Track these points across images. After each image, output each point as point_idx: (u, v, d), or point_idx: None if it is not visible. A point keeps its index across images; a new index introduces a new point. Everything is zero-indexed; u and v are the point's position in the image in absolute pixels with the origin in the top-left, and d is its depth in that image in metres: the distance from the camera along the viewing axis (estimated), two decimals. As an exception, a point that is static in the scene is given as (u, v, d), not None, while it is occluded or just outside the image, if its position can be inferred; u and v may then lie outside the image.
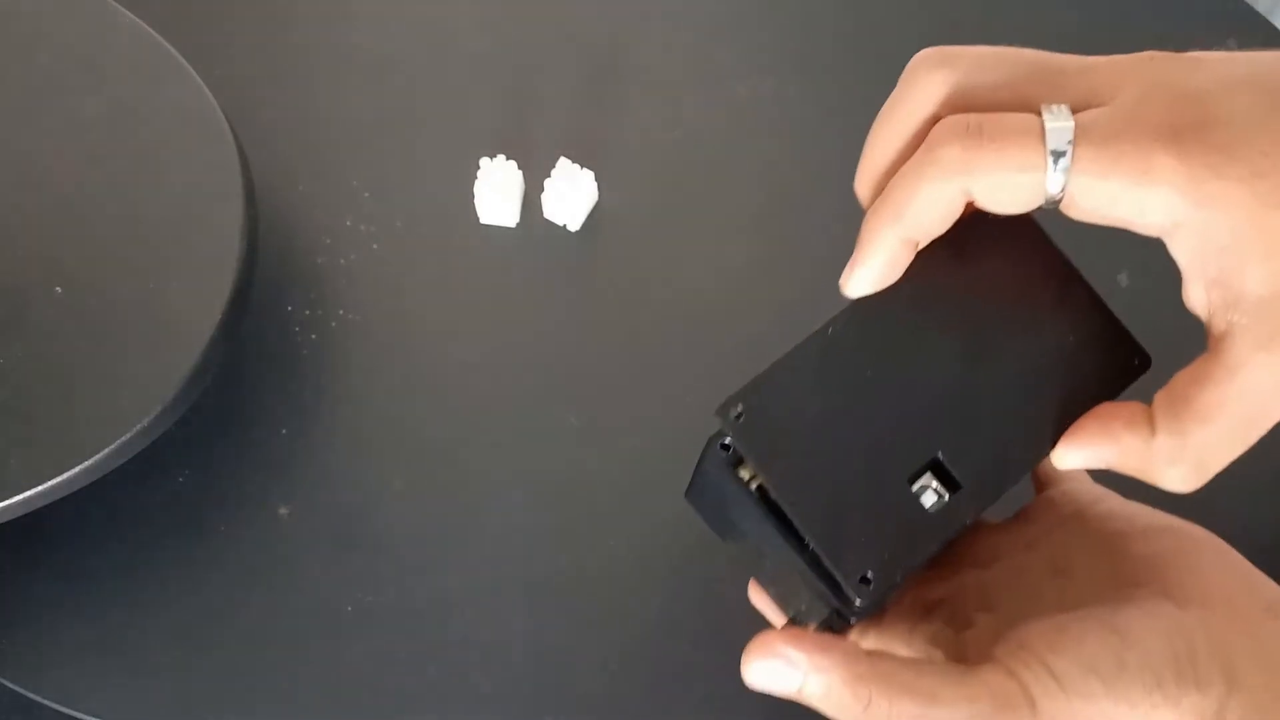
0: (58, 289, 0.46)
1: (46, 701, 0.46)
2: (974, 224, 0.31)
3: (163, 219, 0.48)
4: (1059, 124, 0.28)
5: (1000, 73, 0.30)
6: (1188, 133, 0.27)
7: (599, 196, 0.58)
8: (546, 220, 0.58)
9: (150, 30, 0.51)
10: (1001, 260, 0.32)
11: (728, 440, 0.32)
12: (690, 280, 0.57)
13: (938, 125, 0.29)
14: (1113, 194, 0.28)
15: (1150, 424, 0.30)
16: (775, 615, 0.38)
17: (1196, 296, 0.30)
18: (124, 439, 0.43)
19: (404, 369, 0.54)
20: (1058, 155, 0.28)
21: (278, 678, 0.47)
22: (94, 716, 0.46)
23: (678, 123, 0.61)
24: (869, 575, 0.30)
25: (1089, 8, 0.67)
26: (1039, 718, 0.28)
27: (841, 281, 0.32)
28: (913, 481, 0.31)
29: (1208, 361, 0.29)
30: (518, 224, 0.58)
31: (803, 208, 0.60)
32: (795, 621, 0.33)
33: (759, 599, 0.39)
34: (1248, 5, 0.69)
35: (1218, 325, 0.29)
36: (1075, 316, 0.32)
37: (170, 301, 0.46)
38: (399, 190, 0.58)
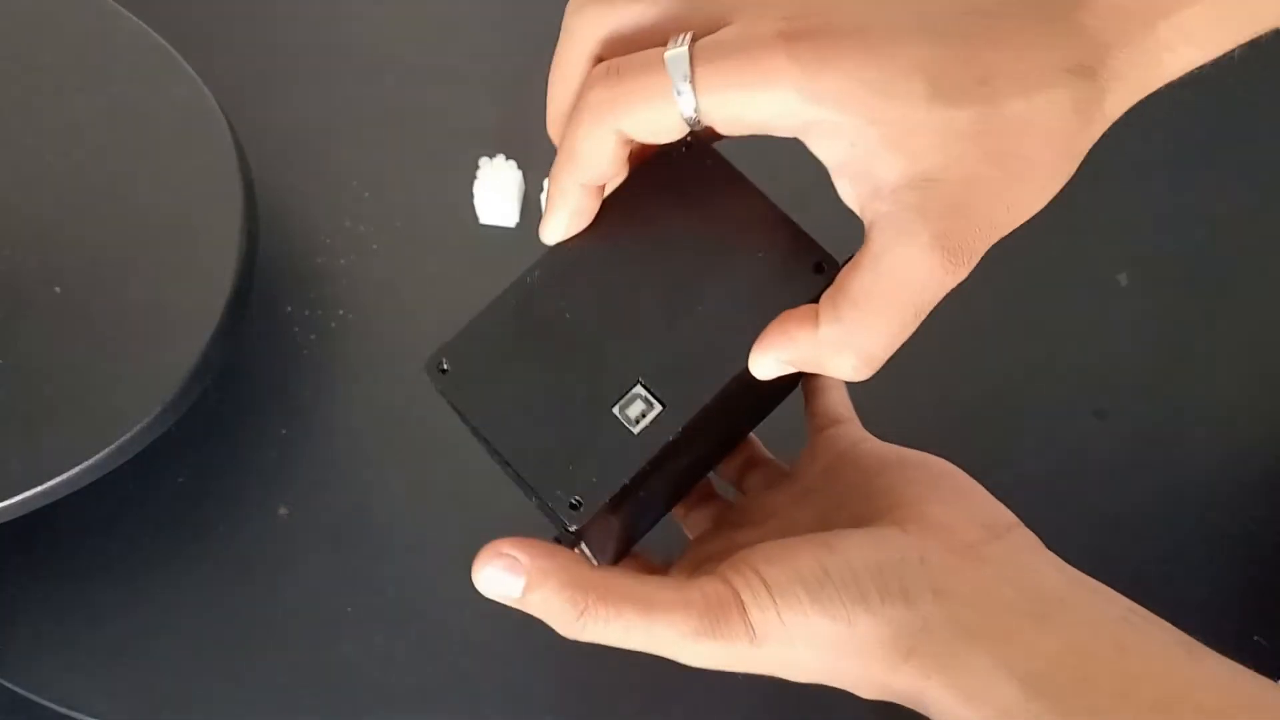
0: (58, 289, 0.46)
1: (46, 702, 0.46)
2: (659, 161, 0.33)
3: (162, 219, 0.48)
4: (675, 51, 0.29)
5: (650, 12, 0.31)
6: (802, 37, 0.29)
7: (599, 196, 0.58)
8: (546, 220, 0.58)
9: (150, 30, 0.51)
10: (689, 192, 0.34)
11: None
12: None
13: (589, 73, 0.32)
14: (740, 104, 0.29)
15: (817, 319, 0.32)
16: None
17: (845, 191, 0.31)
18: (124, 439, 0.43)
19: (403, 369, 0.54)
20: (681, 80, 0.29)
21: (278, 677, 0.47)
22: (94, 716, 0.46)
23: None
24: (577, 500, 0.31)
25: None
26: (750, 624, 0.31)
27: (540, 231, 0.34)
28: (617, 407, 0.32)
29: (860, 252, 0.31)
30: (518, 224, 0.58)
31: (802, 206, 0.60)
32: None
33: None
34: (1247, 5, 0.69)
35: (866, 217, 0.30)
36: (762, 234, 0.33)
37: (170, 301, 0.46)
38: (398, 190, 0.58)
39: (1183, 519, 0.55)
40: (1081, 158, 0.31)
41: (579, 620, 0.32)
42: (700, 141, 0.33)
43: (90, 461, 0.43)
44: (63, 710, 0.46)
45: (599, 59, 0.33)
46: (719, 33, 0.30)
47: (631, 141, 0.32)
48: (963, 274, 0.30)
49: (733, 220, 0.33)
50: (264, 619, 0.48)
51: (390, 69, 0.62)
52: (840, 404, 0.40)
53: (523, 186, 0.58)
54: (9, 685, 0.46)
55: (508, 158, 0.57)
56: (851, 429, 0.39)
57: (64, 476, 0.42)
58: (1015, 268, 0.60)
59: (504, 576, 0.32)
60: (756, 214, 0.34)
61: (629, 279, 0.33)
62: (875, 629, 0.30)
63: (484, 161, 0.57)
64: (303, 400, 0.53)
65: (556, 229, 0.34)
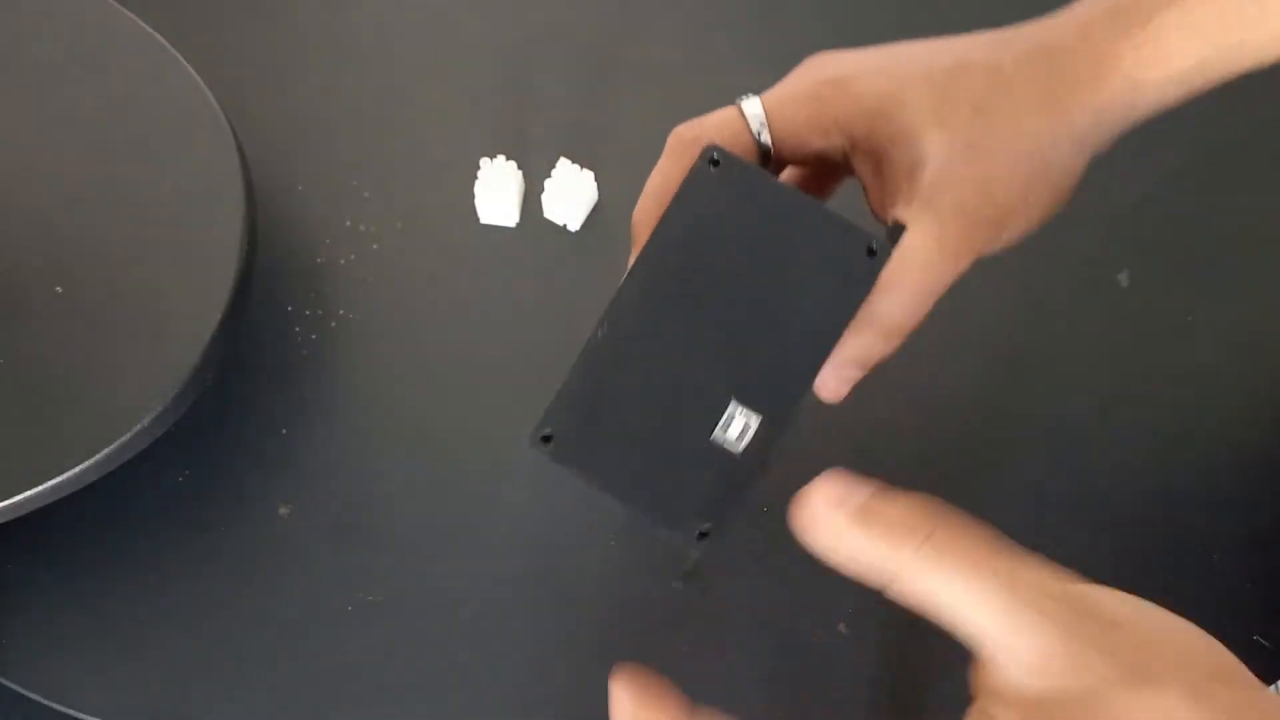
0: (58, 288, 0.46)
1: (46, 701, 0.46)
2: (692, 185, 0.34)
3: (163, 218, 0.48)
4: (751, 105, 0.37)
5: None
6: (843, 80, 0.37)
7: (599, 196, 0.58)
8: (546, 220, 0.58)
9: (150, 30, 0.51)
10: (728, 207, 0.35)
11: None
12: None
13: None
14: (804, 140, 0.37)
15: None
16: None
17: (875, 199, 0.38)
18: (125, 438, 0.43)
19: (404, 369, 0.54)
20: (759, 126, 0.37)
21: (278, 676, 0.47)
22: (94, 715, 0.46)
23: (678, 123, 0.61)
24: (705, 530, 0.33)
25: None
26: None
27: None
28: (718, 431, 0.34)
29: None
30: (518, 224, 0.58)
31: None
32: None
33: None
34: (1247, 5, 0.69)
35: (890, 218, 0.37)
36: (809, 232, 0.35)
37: (170, 301, 0.46)
38: (399, 190, 0.58)
39: (1183, 519, 0.55)
40: (1066, 178, 0.37)
41: None
42: (726, 156, 0.34)
43: (90, 461, 0.43)
44: (63, 710, 0.46)
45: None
46: (777, 86, 0.37)
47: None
48: (944, 284, 0.36)
49: (778, 224, 0.34)
50: (264, 618, 0.48)
51: (390, 69, 0.62)
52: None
53: (523, 186, 0.58)
54: (9, 685, 0.46)
55: (508, 158, 0.57)
56: None
57: (64, 476, 0.42)
58: (1015, 268, 0.60)
59: None
60: (798, 213, 0.34)
61: (695, 308, 0.34)
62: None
63: (484, 161, 0.57)
64: (303, 400, 0.53)
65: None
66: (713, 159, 0.34)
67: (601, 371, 0.34)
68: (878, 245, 0.34)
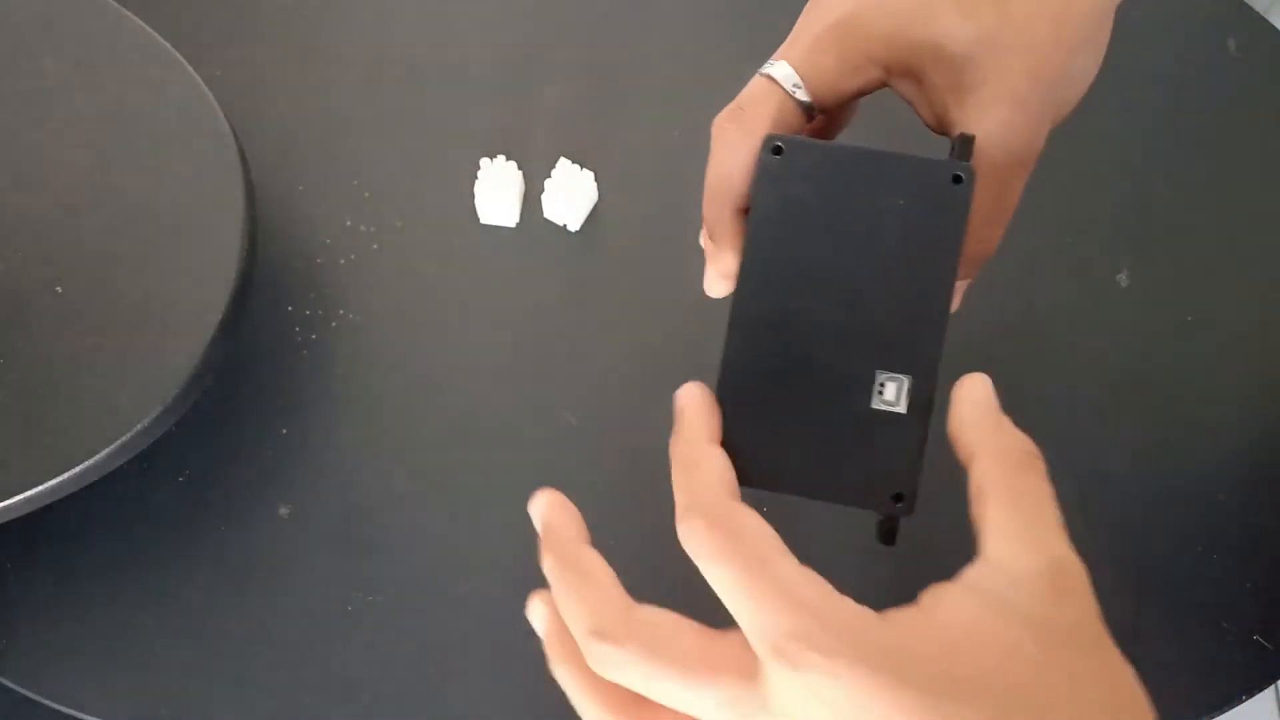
0: (58, 288, 0.46)
1: (46, 701, 0.46)
2: (763, 177, 0.35)
3: (163, 219, 0.48)
4: (780, 69, 0.36)
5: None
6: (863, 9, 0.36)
7: (599, 196, 0.58)
8: (546, 220, 0.58)
9: (150, 30, 0.51)
10: (806, 185, 0.35)
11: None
12: (690, 280, 0.57)
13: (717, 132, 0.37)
14: (839, 79, 0.36)
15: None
16: None
17: (926, 113, 0.38)
18: (124, 439, 0.43)
19: (404, 369, 0.54)
20: (793, 86, 0.36)
21: (277, 677, 0.47)
22: (94, 716, 0.46)
23: (678, 122, 0.61)
24: (898, 494, 0.34)
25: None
26: None
27: (707, 283, 0.38)
28: (875, 402, 0.35)
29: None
30: (518, 224, 0.58)
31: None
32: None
33: None
34: (1247, 5, 0.69)
35: (948, 129, 0.37)
36: (892, 183, 0.35)
37: (171, 301, 0.46)
38: (399, 190, 0.58)
39: (1183, 519, 0.55)
40: (1093, 27, 0.36)
41: None
42: (786, 140, 0.35)
43: (90, 461, 0.43)
44: (63, 710, 0.46)
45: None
46: (795, 44, 0.37)
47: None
48: (1034, 149, 0.36)
49: (859, 186, 0.34)
50: (264, 619, 0.48)
51: (390, 69, 0.62)
52: None
53: (523, 186, 0.58)
54: (9, 685, 0.46)
55: (508, 158, 0.57)
56: None
57: (64, 476, 0.42)
58: (1015, 268, 0.60)
59: None
60: (873, 168, 0.34)
61: (813, 294, 0.34)
62: None
63: (484, 161, 0.57)
64: (303, 400, 0.53)
65: (729, 262, 0.36)
66: (775, 148, 0.34)
67: (748, 387, 0.35)
68: (962, 170, 0.34)
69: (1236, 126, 0.66)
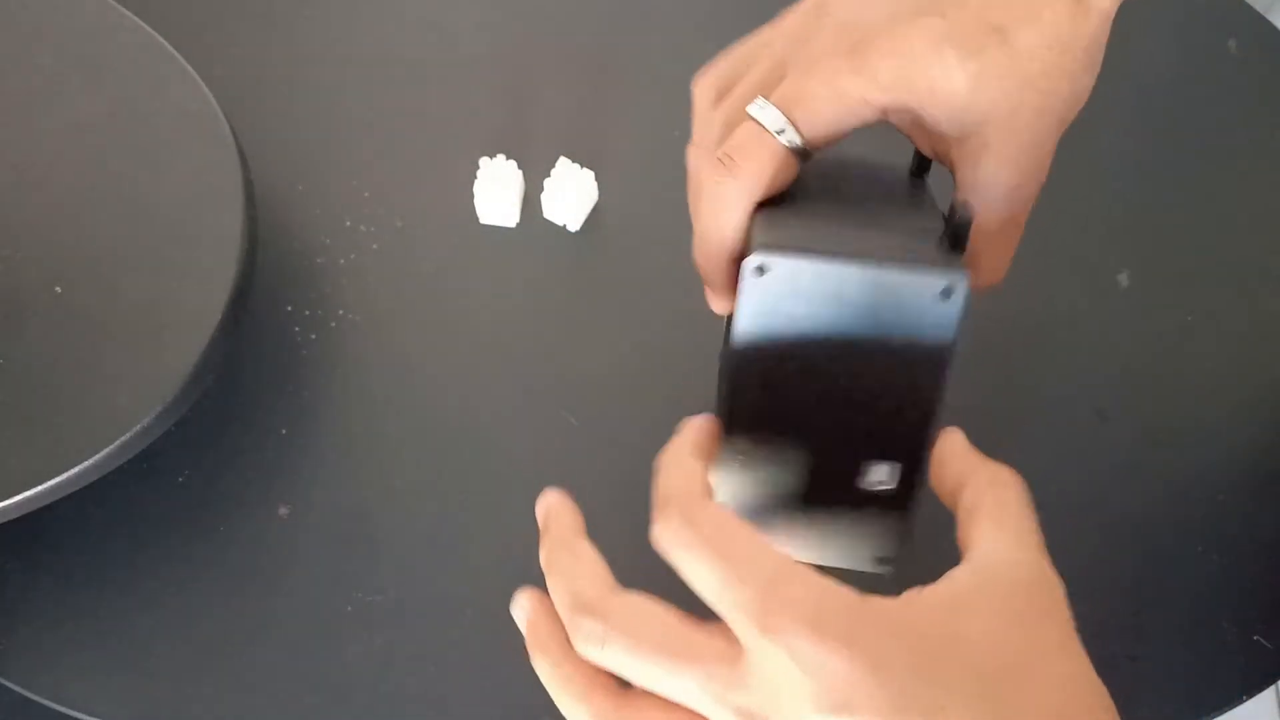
0: (58, 289, 0.46)
1: (46, 701, 0.46)
2: (754, 301, 0.34)
3: (163, 219, 0.48)
4: (768, 112, 0.35)
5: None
6: (854, 53, 0.35)
7: (599, 196, 0.58)
8: (546, 220, 0.58)
9: (150, 30, 0.51)
10: (801, 307, 0.34)
11: None
12: (690, 280, 0.57)
13: (699, 168, 0.37)
14: (833, 123, 0.35)
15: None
16: None
17: (926, 149, 0.38)
18: (124, 439, 0.43)
19: (404, 369, 0.54)
20: (781, 131, 0.35)
21: (277, 677, 0.47)
22: (94, 717, 0.46)
23: (678, 122, 0.61)
24: (886, 557, 0.37)
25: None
26: None
27: (713, 304, 0.39)
28: (863, 483, 0.36)
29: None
30: (518, 224, 0.58)
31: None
32: None
33: None
34: (1247, 5, 0.69)
35: (949, 163, 0.37)
36: (880, 293, 0.34)
37: (170, 301, 0.46)
38: (399, 190, 0.58)
39: (1183, 519, 0.55)
40: (1095, 49, 0.35)
41: None
42: (771, 260, 0.34)
43: (90, 461, 0.43)
44: (63, 710, 0.46)
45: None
46: (784, 85, 0.35)
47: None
48: (1043, 175, 0.36)
49: (846, 296, 0.34)
50: (264, 619, 0.48)
51: (390, 69, 0.62)
52: None
53: (523, 186, 0.58)
54: (9, 685, 0.46)
55: (508, 158, 0.57)
56: None
57: (64, 476, 0.42)
58: (1015, 268, 0.60)
59: None
60: (862, 281, 0.33)
61: (802, 403, 0.35)
62: None
63: (484, 161, 0.57)
64: (303, 400, 0.53)
65: (727, 305, 0.37)
66: (758, 268, 0.33)
67: (745, 489, 0.36)
68: (953, 281, 0.33)
69: (1236, 126, 0.66)
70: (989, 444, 0.55)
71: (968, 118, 0.34)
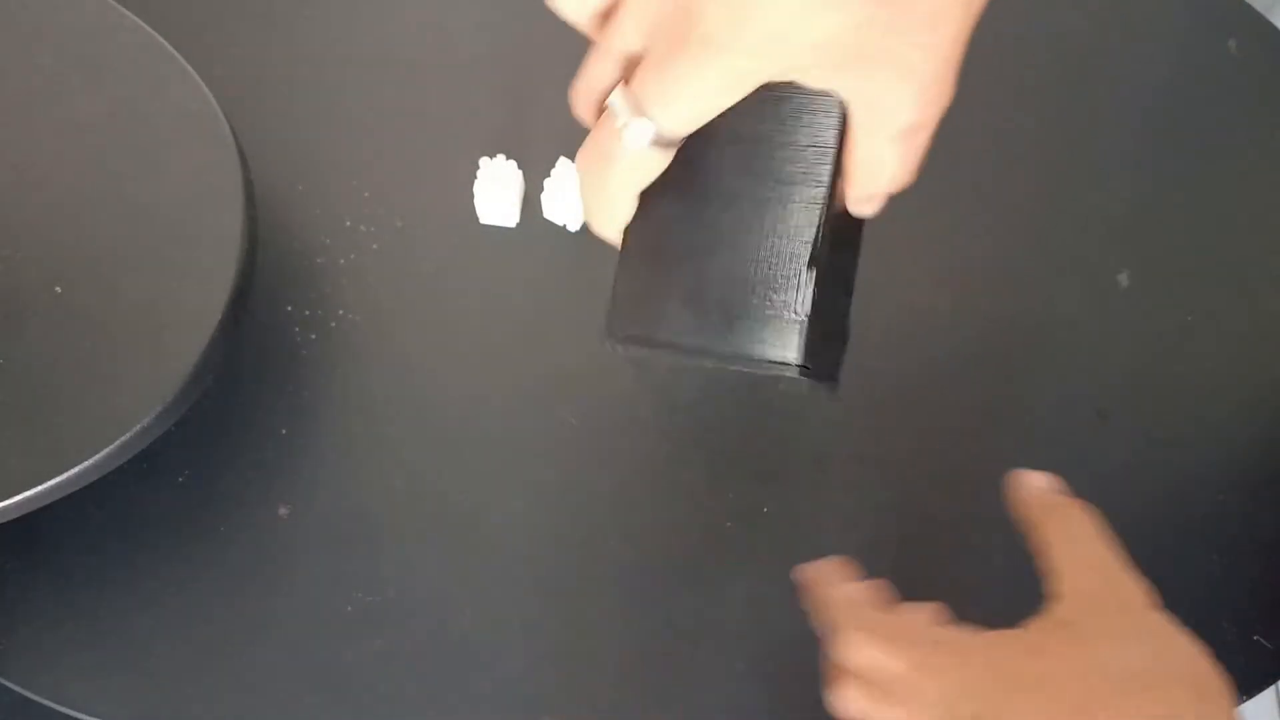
0: (58, 289, 0.46)
1: (46, 701, 0.46)
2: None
3: (163, 219, 0.48)
4: (636, 127, 0.34)
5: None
6: (709, 39, 0.32)
7: (599, 196, 0.58)
8: (546, 220, 0.58)
9: (150, 30, 0.51)
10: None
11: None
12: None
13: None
14: (699, 110, 0.34)
15: None
16: None
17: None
18: (124, 439, 0.43)
19: (404, 369, 0.54)
20: (641, 132, 0.34)
21: (277, 677, 0.47)
22: (94, 717, 0.46)
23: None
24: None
25: (1091, 8, 0.67)
26: None
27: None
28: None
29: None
30: (518, 224, 0.58)
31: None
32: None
33: None
34: (1247, 5, 0.69)
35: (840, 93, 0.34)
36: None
37: (170, 301, 0.46)
38: (399, 190, 0.58)
39: (1183, 519, 0.55)
40: None
41: None
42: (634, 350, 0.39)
43: (90, 461, 0.43)
44: (63, 710, 0.46)
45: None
46: (639, 72, 0.34)
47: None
48: (948, 90, 0.33)
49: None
50: (264, 619, 0.48)
51: (390, 69, 0.62)
52: None
53: (523, 186, 0.58)
54: (9, 685, 0.46)
55: (508, 158, 0.57)
56: None
57: (64, 476, 0.42)
58: (1015, 268, 0.60)
59: None
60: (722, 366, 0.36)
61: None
62: None
63: (484, 161, 0.57)
64: (303, 400, 0.53)
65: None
66: (618, 344, 0.38)
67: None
68: (804, 372, 0.35)
69: (1236, 126, 0.66)
70: (989, 444, 0.55)
71: (851, 67, 0.33)
